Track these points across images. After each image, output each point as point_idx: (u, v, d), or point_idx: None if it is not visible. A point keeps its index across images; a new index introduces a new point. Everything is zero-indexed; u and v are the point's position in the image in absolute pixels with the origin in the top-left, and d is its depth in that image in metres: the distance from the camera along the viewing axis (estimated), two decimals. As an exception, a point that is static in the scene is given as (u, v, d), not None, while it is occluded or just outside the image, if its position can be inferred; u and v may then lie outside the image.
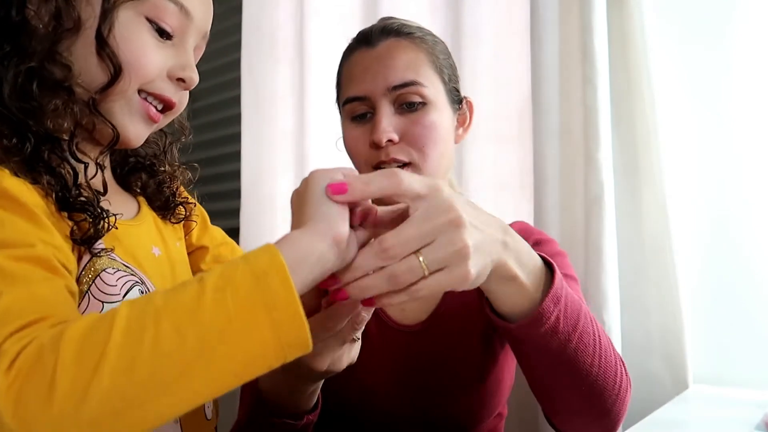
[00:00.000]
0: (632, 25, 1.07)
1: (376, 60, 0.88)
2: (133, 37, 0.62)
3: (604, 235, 1.04)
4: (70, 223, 0.59)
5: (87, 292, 0.59)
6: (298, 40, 1.61)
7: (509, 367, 0.93)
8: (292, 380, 0.71)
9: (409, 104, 0.87)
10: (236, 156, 1.78)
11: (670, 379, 1.05)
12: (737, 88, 1.05)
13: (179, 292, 0.46)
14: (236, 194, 1.76)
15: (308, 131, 1.56)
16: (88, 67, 0.61)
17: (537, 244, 0.92)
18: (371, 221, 0.57)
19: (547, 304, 0.63)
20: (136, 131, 0.65)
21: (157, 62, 0.64)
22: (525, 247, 0.63)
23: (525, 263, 0.62)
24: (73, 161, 0.60)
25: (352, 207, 0.54)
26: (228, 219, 1.77)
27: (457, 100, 0.94)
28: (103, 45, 0.60)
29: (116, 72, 0.61)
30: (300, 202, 0.53)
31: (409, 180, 0.53)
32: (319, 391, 0.76)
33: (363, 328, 0.66)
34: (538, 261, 0.65)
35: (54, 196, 0.58)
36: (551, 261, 0.66)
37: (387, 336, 0.89)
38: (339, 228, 0.50)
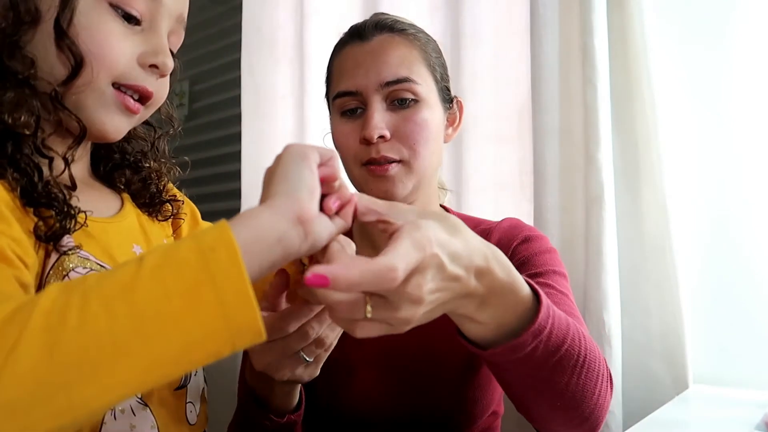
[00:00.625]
0: (632, 25, 1.07)
1: (369, 55, 0.87)
2: (95, 26, 0.59)
3: (604, 235, 1.04)
4: (36, 218, 0.57)
5: None
6: (298, 40, 1.61)
7: None
8: (268, 381, 0.70)
9: (401, 101, 0.86)
10: (236, 156, 1.78)
11: (670, 379, 1.05)
12: (737, 88, 1.05)
13: (115, 271, 0.42)
14: (236, 194, 1.76)
15: (308, 131, 1.56)
16: (49, 60, 0.59)
17: (526, 240, 0.91)
18: (349, 213, 0.52)
19: (525, 337, 0.61)
20: (114, 124, 0.63)
21: (123, 50, 0.61)
22: (505, 286, 0.58)
23: (495, 303, 0.59)
24: (37, 156, 0.58)
25: (325, 192, 0.50)
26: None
27: (448, 99, 0.94)
28: (62, 36, 0.57)
29: (77, 63, 0.58)
30: (270, 176, 0.49)
31: (404, 270, 0.46)
32: (297, 393, 0.76)
33: (320, 353, 0.64)
34: (523, 295, 0.61)
35: (19, 191, 0.56)
36: (539, 291, 0.63)
37: (375, 337, 0.89)
38: (305, 206, 0.46)
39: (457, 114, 0.96)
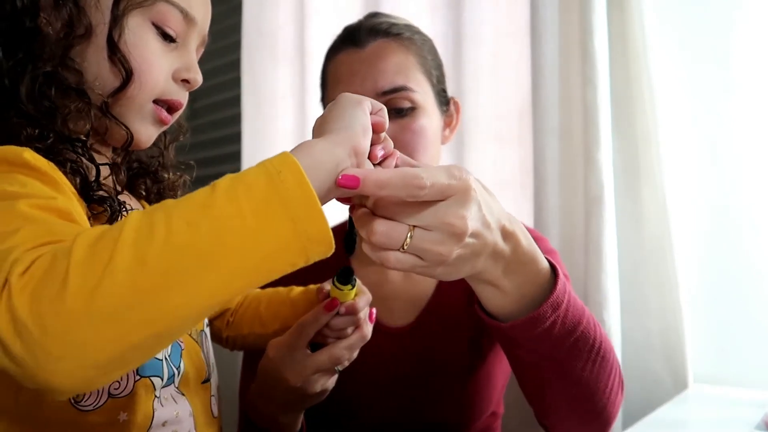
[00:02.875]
0: (632, 25, 1.07)
1: (365, 63, 0.87)
2: (141, 44, 0.63)
3: (604, 235, 1.04)
4: (88, 213, 0.60)
5: None
6: (298, 40, 1.61)
7: (501, 367, 0.92)
8: (273, 410, 0.74)
9: (398, 110, 0.85)
10: (236, 156, 1.78)
11: (670, 378, 1.05)
12: (737, 88, 1.05)
13: (191, 195, 0.46)
14: (236, 194, 1.75)
15: (308, 131, 1.55)
16: (101, 72, 0.62)
17: None
18: (391, 165, 0.56)
19: (544, 308, 0.62)
20: (147, 134, 0.67)
21: (164, 68, 0.65)
22: (527, 254, 0.61)
23: (518, 270, 0.61)
24: (88, 160, 0.61)
25: (372, 142, 0.54)
26: (228, 219, 1.77)
27: (444, 102, 0.93)
28: (114, 50, 0.61)
29: (127, 77, 0.62)
30: (323, 120, 0.53)
31: (432, 184, 0.50)
32: (300, 421, 0.79)
33: (343, 363, 0.71)
34: (543, 267, 0.63)
35: (78, 183, 0.59)
36: (556, 267, 0.64)
37: (375, 338, 0.89)
38: (360, 139, 0.50)
39: (454, 115, 0.96)
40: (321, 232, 0.45)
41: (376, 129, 0.55)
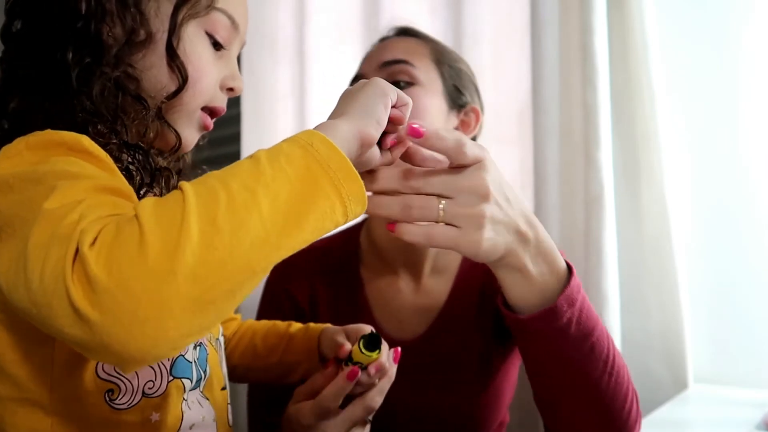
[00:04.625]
0: (632, 25, 1.07)
1: (382, 47, 0.93)
2: (197, 53, 0.65)
3: (604, 235, 1.04)
4: None
5: None
6: (298, 40, 1.61)
7: (509, 379, 0.92)
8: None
9: (395, 83, 0.86)
10: (236, 156, 1.78)
11: (670, 378, 1.05)
12: (737, 87, 1.05)
13: (233, 166, 0.47)
14: (236, 194, 1.75)
15: (308, 131, 1.55)
16: (158, 78, 0.63)
17: None
18: (398, 153, 0.60)
19: (560, 302, 0.63)
20: (192, 139, 0.70)
21: (214, 76, 0.67)
22: (548, 246, 0.63)
23: (541, 260, 0.62)
24: (145, 166, 0.62)
25: (389, 130, 0.58)
26: (228, 219, 1.77)
27: (458, 102, 0.93)
28: (173, 56, 0.63)
29: (184, 82, 0.63)
30: (348, 97, 0.57)
31: (470, 149, 0.57)
32: None
33: (371, 413, 0.71)
34: (560, 262, 0.64)
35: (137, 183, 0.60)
36: (571, 265, 0.65)
37: None
38: (371, 132, 0.54)
39: (473, 122, 0.96)
40: (359, 191, 0.49)
41: (395, 122, 0.58)
